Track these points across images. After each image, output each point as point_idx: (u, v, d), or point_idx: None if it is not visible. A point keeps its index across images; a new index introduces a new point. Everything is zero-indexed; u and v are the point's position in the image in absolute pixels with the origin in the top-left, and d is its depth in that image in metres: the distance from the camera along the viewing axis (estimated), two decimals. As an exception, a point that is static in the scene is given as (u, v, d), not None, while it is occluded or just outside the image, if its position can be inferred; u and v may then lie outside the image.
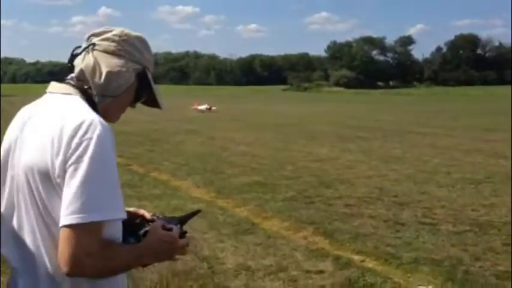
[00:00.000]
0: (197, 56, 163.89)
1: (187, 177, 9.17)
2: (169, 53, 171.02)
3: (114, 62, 1.49)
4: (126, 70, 1.51)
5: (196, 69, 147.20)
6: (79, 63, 1.50)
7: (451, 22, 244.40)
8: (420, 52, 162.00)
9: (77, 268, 1.28)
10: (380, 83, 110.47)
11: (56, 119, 1.36)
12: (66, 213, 1.27)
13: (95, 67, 1.47)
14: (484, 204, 7.24)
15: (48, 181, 1.34)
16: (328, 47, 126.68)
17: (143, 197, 7.51)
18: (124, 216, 1.37)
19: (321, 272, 4.69)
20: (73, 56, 1.53)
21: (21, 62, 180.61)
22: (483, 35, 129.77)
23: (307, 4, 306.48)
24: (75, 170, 1.29)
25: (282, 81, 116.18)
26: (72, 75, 1.51)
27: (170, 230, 1.53)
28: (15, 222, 1.43)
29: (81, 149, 1.30)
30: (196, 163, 10.76)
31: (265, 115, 27.19)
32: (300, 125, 20.52)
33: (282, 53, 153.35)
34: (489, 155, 11.89)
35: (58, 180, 1.31)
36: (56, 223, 1.32)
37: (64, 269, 1.29)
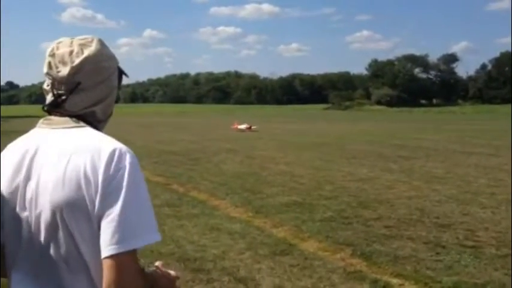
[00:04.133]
0: (238, 75, 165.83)
1: (225, 197, 9.22)
2: (211, 73, 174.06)
3: (105, 89, 1.51)
4: (114, 86, 1.56)
5: (238, 89, 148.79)
6: (72, 103, 1.45)
7: (495, 39, 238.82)
8: (464, 70, 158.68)
9: None
10: (423, 101, 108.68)
11: (81, 152, 1.35)
12: (112, 243, 1.26)
13: (91, 103, 1.48)
14: (530, 226, 7.00)
15: (82, 215, 1.32)
16: (370, 65, 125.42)
17: (182, 216, 7.60)
18: (159, 237, 1.36)
19: (358, 295, 4.63)
20: (57, 103, 1.45)
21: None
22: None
23: (348, 23, 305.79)
24: (115, 199, 1.29)
25: (323, 100, 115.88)
26: (66, 108, 1.46)
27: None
28: (37, 267, 1.39)
29: (117, 178, 1.31)
30: (235, 182, 10.82)
31: (306, 134, 27.11)
32: (340, 144, 20.36)
33: (323, 72, 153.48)
34: (536, 175, 11.48)
35: (96, 213, 1.30)
36: (92, 255, 1.32)
37: None
